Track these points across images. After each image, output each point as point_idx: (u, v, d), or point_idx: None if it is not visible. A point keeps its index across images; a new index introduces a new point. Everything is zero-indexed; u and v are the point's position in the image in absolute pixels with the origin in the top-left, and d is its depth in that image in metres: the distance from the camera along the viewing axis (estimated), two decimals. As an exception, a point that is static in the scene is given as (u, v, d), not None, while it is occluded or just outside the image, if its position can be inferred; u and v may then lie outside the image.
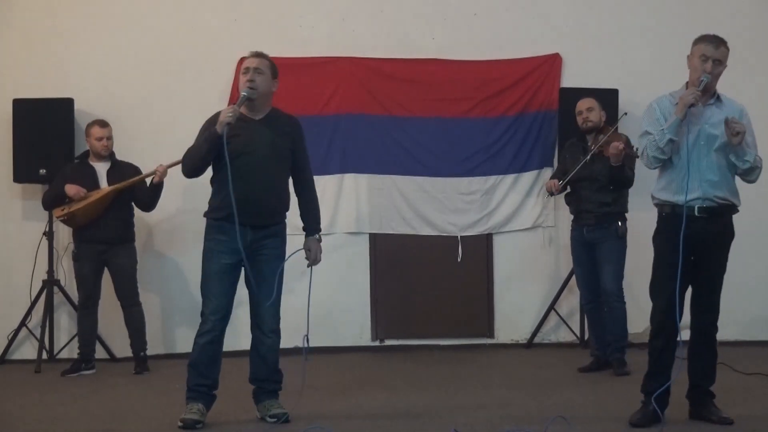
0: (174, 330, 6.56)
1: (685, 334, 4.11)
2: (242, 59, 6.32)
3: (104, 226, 5.80)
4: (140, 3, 6.69)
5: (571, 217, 5.80)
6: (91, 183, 5.83)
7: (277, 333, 4.34)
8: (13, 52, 6.57)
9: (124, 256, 5.92)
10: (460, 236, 6.81)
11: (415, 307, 6.85)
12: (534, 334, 6.75)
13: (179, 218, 6.54)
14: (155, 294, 6.52)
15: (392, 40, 6.78)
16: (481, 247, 6.87)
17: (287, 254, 4.35)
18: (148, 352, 6.02)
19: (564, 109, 6.42)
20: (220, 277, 4.21)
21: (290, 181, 4.44)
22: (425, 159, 6.80)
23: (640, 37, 6.85)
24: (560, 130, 6.56)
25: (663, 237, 4.13)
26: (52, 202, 5.90)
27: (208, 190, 4.39)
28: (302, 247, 4.41)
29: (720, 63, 4.05)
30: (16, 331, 6.29)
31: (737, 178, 4.15)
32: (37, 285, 6.26)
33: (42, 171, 6.15)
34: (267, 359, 4.33)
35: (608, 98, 6.24)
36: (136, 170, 5.95)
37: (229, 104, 5.96)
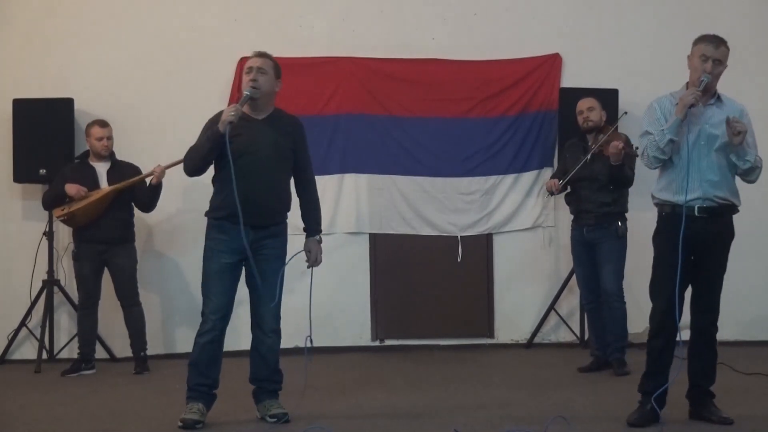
0: (174, 330, 6.56)
1: (684, 334, 4.12)
2: (243, 59, 6.41)
3: (104, 226, 5.80)
4: (140, 3, 6.69)
5: (571, 217, 5.80)
6: (91, 183, 5.83)
7: (277, 333, 4.34)
8: (13, 52, 6.58)
9: (124, 256, 5.92)
10: (460, 236, 6.81)
11: (415, 307, 6.85)
12: (534, 334, 6.75)
13: (179, 218, 6.54)
14: (155, 294, 6.52)
15: (392, 40, 6.78)
16: (481, 247, 6.87)
17: (288, 254, 4.35)
18: (148, 352, 6.02)
19: (564, 109, 6.43)
20: (221, 277, 4.21)
21: (292, 181, 4.45)
22: (425, 159, 6.80)
23: (640, 37, 6.85)
24: (560, 130, 6.56)
25: (663, 237, 4.13)
26: (52, 202, 5.90)
27: (208, 190, 4.39)
28: (303, 247, 4.42)
29: (720, 63, 4.05)
30: (16, 331, 6.29)
31: (737, 178, 4.16)
32: (37, 285, 6.26)
33: (42, 171, 6.16)
34: (267, 359, 4.33)
35: (608, 98, 6.24)
36: (136, 170, 5.95)
37: (229, 104, 5.96)
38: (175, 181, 6.03)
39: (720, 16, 6.60)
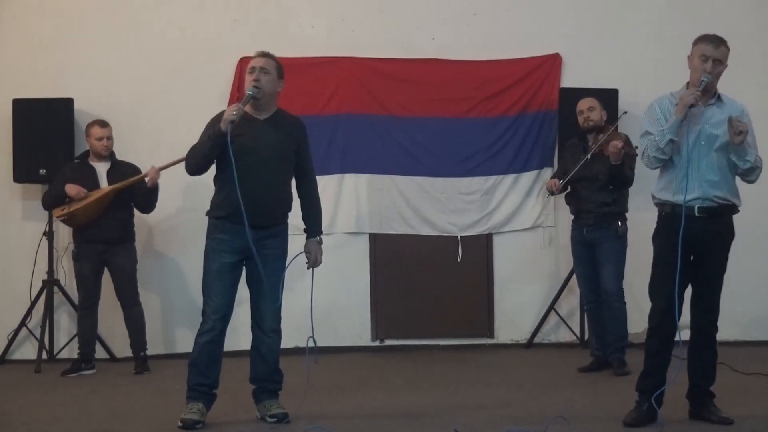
0: (174, 330, 6.56)
1: (684, 334, 4.12)
2: (243, 59, 6.45)
3: (104, 226, 5.80)
4: (140, 3, 6.69)
5: (571, 217, 5.80)
6: (91, 183, 5.83)
7: (277, 333, 4.34)
8: (13, 52, 6.57)
9: (124, 256, 5.92)
10: (460, 236, 6.81)
11: (415, 307, 6.85)
12: (534, 334, 6.75)
13: (179, 218, 6.54)
14: (155, 294, 6.52)
15: (392, 40, 6.78)
16: (481, 247, 6.87)
17: (288, 254, 4.35)
18: (148, 352, 6.02)
19: (564, 109, 6.42)
20: (221, 276, 4.21)
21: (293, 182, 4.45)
22: (425, 159, 6.79)
23: (640, 37, 6.84)
24: (560, 130, 6.56)
25: (663, 237, 4.13)
26: (52, 202, 5.90)
27: (208, 190, 4.39)
28: (303, 248, 4.42)
29: (720, 63, 4.05)
30: (16, 331, 6.29)
31: (737, 178, 4.16)
32: (37, 285, 6.26)
33: (42, 171, 6.15)
34: (267, 359, 4.33)
35: (608, 98, 6.24)
36: (135, 170, 5.95)
37: (229, 105, 5.97)
38: (175, 180, 6.03)
39: (720, 16, 6.60)
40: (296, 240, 4.45)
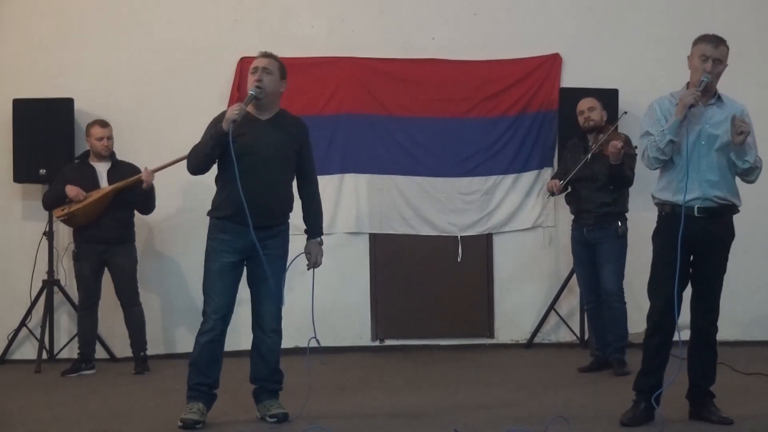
0: (174, 330, 6.56)
1: (684, 334, 4.12)
2: (243, 59, 6.45)
3: (104, 226, 5.80)
4: (140, 3, 6.69)
5: (572, 217, 5.80)
6: (92, 183, 5.83)
7: (278, 333, 4.34)
8: (13, 52, 6.57)
9: (124, 256, 5.92)
10: (460, 236, 6.81)
11: (415, 307, 6.84)
12: (534, 334, 6.75)
13: (179, 218, 6.54)
14: (155, 294, 6.52)
15: (392, 40, 6.78)
16: (481, 247, 6.87)
17: (289, 254, 4.35)
18: (148, 352, 6.02)
19: (564, 109, 6.42)
20: (222, 276, 4.21)
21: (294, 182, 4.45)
22: (425, 159, 6.79)
23: (640, 37, 6.84)
24: (560, 130, 6.56)
25: (662, 236, 4.13)
26: (52, 202, 5.90)
27: (208, 190, 4.39)
28: (303, 249, 4.41)
29: (720, 62, 4.05)
30: (16, 331, 6.29)
31: (737, 178, 4.16)
32: (37, 285, 6.26)
33: (42, 171, 6.15)
34: (268, 359, 4.33)
35: (608, 98, 6.24)
36: (136, 170, 5.94)
37: (229, 105, 5.97)
38: (175, 180, 6.04)
39: (720, 16, 6.60)
40: (296, 240, 4.45)
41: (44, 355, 6.18)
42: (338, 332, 6.61)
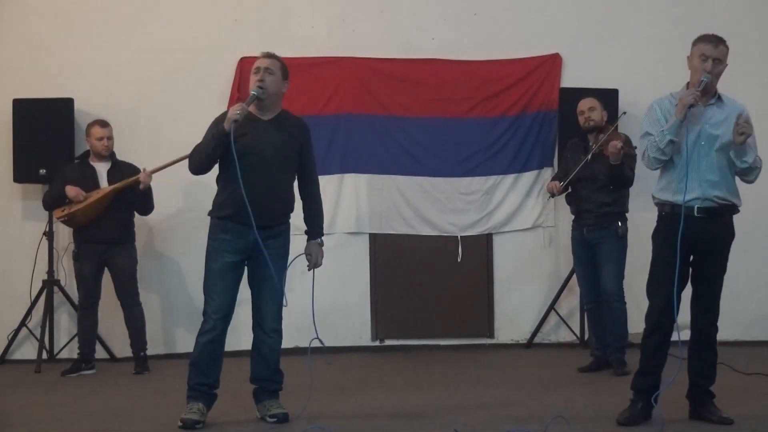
0: (174, 330, 6.56)
1: (684, 334, 4.12)
2: (243, 59, 6.45)
3: (104, 226, 5.80)
4: (140, 3, 6.69)
5: (572, 217, 5.80)
6: (92, 183, 5.83)
7: (278, 333, 4.34)
8: (13, 52, 6.57)
9: (125, 256, 5.92)
10: (460, 236, 6.81)
11: (415, 307, 6.84)
12: (534, 334, 6.75)
13: (179, 218, 6.54)
14: (155, 294, 6.52)
15: (392, 40, 6.78)
16: (481, 247, 6.87)
17: (290, 254, 4.35)
18: (148, 352, 6.02)
19: (564, 109, 6.43)
20: (223, 276, 4.20)
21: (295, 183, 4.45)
22: (425, 159, 6.79)
23: (640, 37, 6.84)
24: (560, 130, 6.57)
25: (662, 236, 4.13)
26: (52, 202, 5.90)
27: (208, 190, 4.39)
28: (304, 250, 4.41)
29: (720, 62, 4.05)
30: (16, 331, 6.29)
31: (737, 178, 4.16)
32: (37, 285, 6.26)
33: (42, 171, 6.15)
34: (268, 359, 4.33)
35: (608, 98, 6.24)
36: (136, 170, 5.93)
37: (229, 105, 5.98)
38: (175, 180, 6.04)
39: (720, 16, 6.60)
40: (297, 240, 4.45)
41: (44, 355, 6.19)
42: (338, 332, 6.60)
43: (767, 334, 6.72)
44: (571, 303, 6.77)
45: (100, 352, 6.16)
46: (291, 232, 4.41)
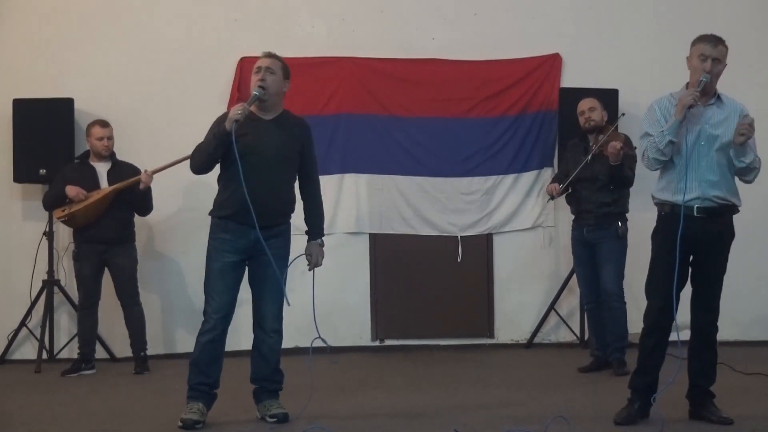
0: (174, 330, 6.56)
1: (684, 334, 4.12)
2: (243, 59, 6.45)
3: (104, 227, 5.80)
4: (140, 3, 6.68)
5: (572, 217, 5.80)
6: (92, 183, 5.83)
7: (279, 333, 4.34)
8: (13, 52, 6.57)
9: (125, 256, 5.92)
10: (460, 236, 6.81)
11: (415, 307, 6.84)
12: (534, 334, 6.75)
13: (179, 218, 6.54)
14: (155, 294, 6.52)
15: (392, 40, 6.78)
16: (481, 247, 6.87)
17: (290, 254, 4.35)
18: (148, 352, 6.02)
19: (564, 109, 6.43)
20: (223, 276, 4.21)
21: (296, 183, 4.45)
22: (425, 159, 6.79)
23: (640, 37, 6.84)
24: (560, 130, 6.57)
25: (661, 236, 4.13)
26: (52, 202, 5.90)
27: (208, 190, 4.39)
28: (304, 250, 4.41)
29: (719, 62, 4.05)
30: (16, 331, 6.29)
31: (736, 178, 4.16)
32: (37, 285, 6.26)
33: (42, 171, 6.15)
34: (268, 359, 4.33)
35: (608, 98, 6.23)
36: (136, 171, 5.94)
37: (229, 105, 5.99)
38: (175, 180, 6.05)
39: (720, 16, 6.60)
40: (297, 240, 4.45)
41: (44, 355, 6.18)
42: (338, 332, 6.60)
43: (767, 334, 6.73)
44: (571, 303, 6.77)
45: (100, 352, 6.16)
46: (291, 232, 4.40)
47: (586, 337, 6.41)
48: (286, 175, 4.31)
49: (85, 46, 6.58)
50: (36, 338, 6.25)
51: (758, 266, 6.66)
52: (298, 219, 4.45)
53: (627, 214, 5.59)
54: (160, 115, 6.53)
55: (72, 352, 6.20)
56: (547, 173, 6.72)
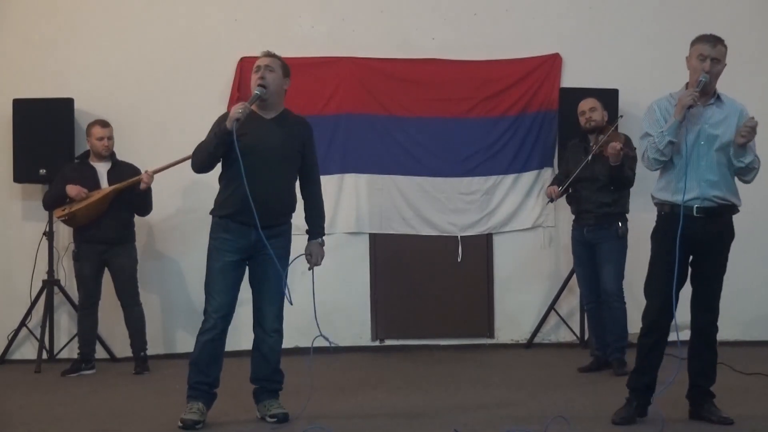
0: (174, 330, 6.56)
1: (684, 334, 4.12)
2: (243, 59, 6.46)
3: (104, 226, 5.80)
4: (140, 3, 6.68)
5: (572, 217, 5.80)
6: (92, 183, 5.83)
7: (279, 333, 4.34)
8: (13, 52, 6.57)
9: (125, 256, 5.92)
10: (460, 236, 6.81)
11: (415, 307, 6.84)
12: (534, 334, 6.75)
13: (179, 218, 6.55)
14: (155, 294, 6.52)
15: (392, 40, 6.78)
16: (481, 247, 6.87)
17: (291, 254, 4.36)
18: (148, 352, 6.02)
19: (564, 109, 6.43)
20: (224, 275, 4.21)
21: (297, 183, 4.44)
22: (425, 159, 6.79)
23: (640, 37, 6.84)
24: (560, 130, 6.57)
25: (661, 236, 4.14)
26: (53, 202, 5.90)
27: (208, 190, 4.40)
28: (304, 250, 4.41)
29: (718, 61, 4.05)
30: (16, 331, 6.29)
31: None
32: (37, 285, 6.26)
33: (42, 171, 6.15)
34: (269, 359, 4.33)
35: (608, 98, 6.23)
36: (136, 171, 5.94)
37: (229, 105, 5.99)
38: (175, 180, 6.05)
39: (720, 16, 6.60)
40: (297, 240, 4.45)
41: (44, 355, 6.19)
42: (338, 332, 6.57)
43: (767, 334, 6.73)
44: (571, 303, 6.77)
45: (100, 352, 6.16)
46: (292, 232, 4.40)
47: (586, 337, 6.41)
48: (287, 175, 4.31)
49: (85, 45, 6.58)
50: (36, 338, 6.25)
51: (758, 266, 6.66)
52: (298, 219, 4.45)
53: (627, 215, 5.59)
54: (160, 115, 6.53)
55: (72, 352, 6.20)
56: (547, 173, 6.72)
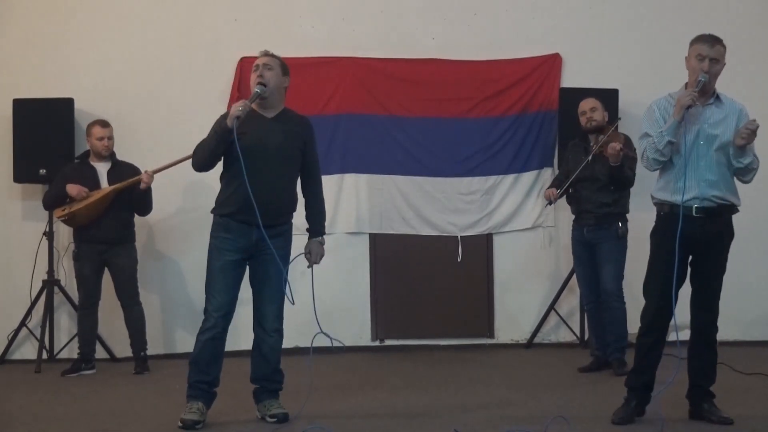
0: (174, 330, 6.56)
1: (684, 334, 4.12)
2: (243, 59, 6.46)
3: (104, 226, 5.80)
4: (140, 3, 6.68)
5: (572, 217, 5.81)
6: (92, 183, 5.83)
7: (279, 332, 4.34)
8: (13, 52, 6.57)
9: (125, 256, 5.92)
10: (460, 236, 6.81)
11: (415, 307, 6.84)
12: (534, 334, 6.75)
13: (179, 218, 6.54)
14: (155, 294, 6.52)
15: (392, 40, 6.78)
16: (481, 247, 6.87)
17: (291, 254, 4.36)
18: (148, 352, 6.02)
19: (564, 109, 6.43)
20: (224, 275, 4.21)
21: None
22: (425, 159, 6.80)
23: (640, 38, 6.84)
24: (560, 130, 6.57)
25: (660, 236, 4.14)
26: (53, 202, 5.90)
27: (208, 189, 4.40)
28: (304, 248, 4.41)
29: (717, 61, 4.05)
30: (16, 331, 6.29)
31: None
32: (37, 285, 6.26)
33: (42, 171, 6.15)
34: (269, 359, 4.33)
35: (608, 98, 6.23)
36: (136, 171, 5.94)
37: (229, 105, 5.98)
38: (176, 180, 6.05)
39: (720, 16, 6.60)
40: (298, 239, 4.45)
41: (44, 355, 6.18)
42: (338, 332, 6.52)
43: (767, 334, 6.73)
44: (571, 303, 6.77)
45: (100, 352, 6.16)
46: (292, 233, 4.40)
47: (586, 337, 6.41)
48: (288, 174, 4.31)
49: (85, 45, 6.58)
50: (36, 338, 6.25)
51: (758, 266, 6.66)
52: (298, 218, 4.45)
53: (627, 215, 5.59)
54: (160, 115, 6.53)
55: (72, 352, 6.20)
56: (547, 173, 6.72)
